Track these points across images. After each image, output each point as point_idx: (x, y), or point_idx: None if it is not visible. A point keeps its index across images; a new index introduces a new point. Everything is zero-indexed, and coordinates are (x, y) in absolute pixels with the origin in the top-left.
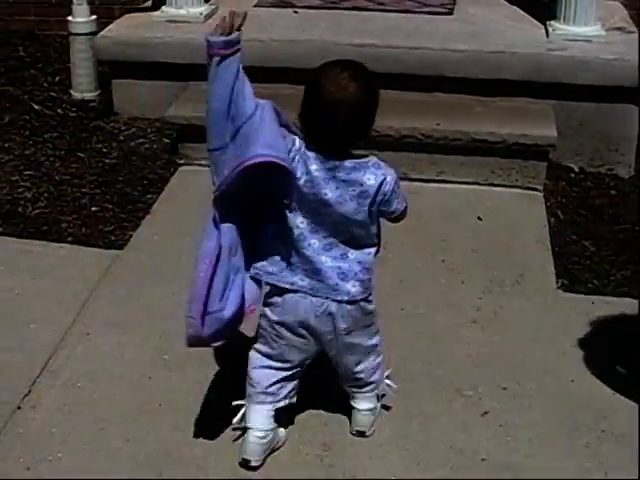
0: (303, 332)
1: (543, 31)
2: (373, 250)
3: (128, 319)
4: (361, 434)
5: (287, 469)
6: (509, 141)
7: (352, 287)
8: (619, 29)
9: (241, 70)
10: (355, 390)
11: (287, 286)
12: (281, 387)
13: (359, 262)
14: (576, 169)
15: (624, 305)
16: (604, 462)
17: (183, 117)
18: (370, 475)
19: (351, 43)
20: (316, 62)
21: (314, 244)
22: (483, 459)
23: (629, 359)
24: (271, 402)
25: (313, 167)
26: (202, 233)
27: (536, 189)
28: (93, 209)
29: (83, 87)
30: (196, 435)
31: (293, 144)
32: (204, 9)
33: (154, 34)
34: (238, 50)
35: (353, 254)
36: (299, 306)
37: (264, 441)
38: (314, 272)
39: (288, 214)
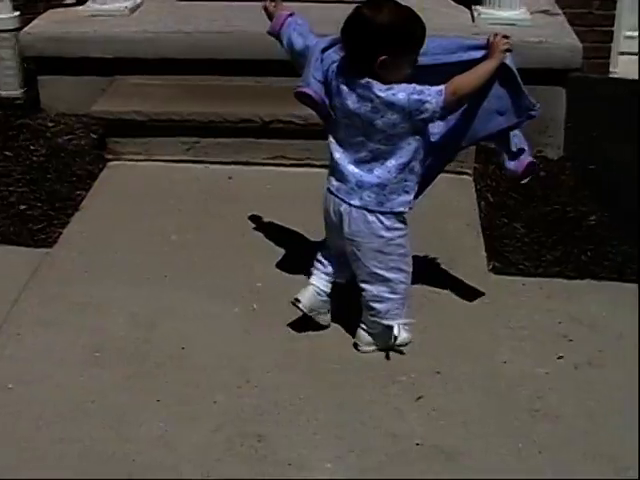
0: (329, 223)
1: (469, 16)
2: (393, 167)
3: (59, 318)
4: (355, 347)
5: (221, 461)
6: None
7: (366, 196)
8: (544, 12)
9: (291, 37)
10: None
11: (327, 184)
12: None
13: (378, 177)
14: None
15: (555, 285)
16: (537, 441)
17: (110, 112)
18: (305, 464)
19: None
20: (243, 53)
21: (348, 155)
22: (418, 444)
23: (561, 338)
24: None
25: (341, 80)
26: None
27: (466, 173)
28: (21, 207)
29: (8, 85)
30: (128, 432)
31: (331, 64)
32: (129, 3)
33: (79, 29)
34: (280, 29)
35: (377, 171)
36: (327, 201)
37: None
38: (341, 175)
39: (333, 125)
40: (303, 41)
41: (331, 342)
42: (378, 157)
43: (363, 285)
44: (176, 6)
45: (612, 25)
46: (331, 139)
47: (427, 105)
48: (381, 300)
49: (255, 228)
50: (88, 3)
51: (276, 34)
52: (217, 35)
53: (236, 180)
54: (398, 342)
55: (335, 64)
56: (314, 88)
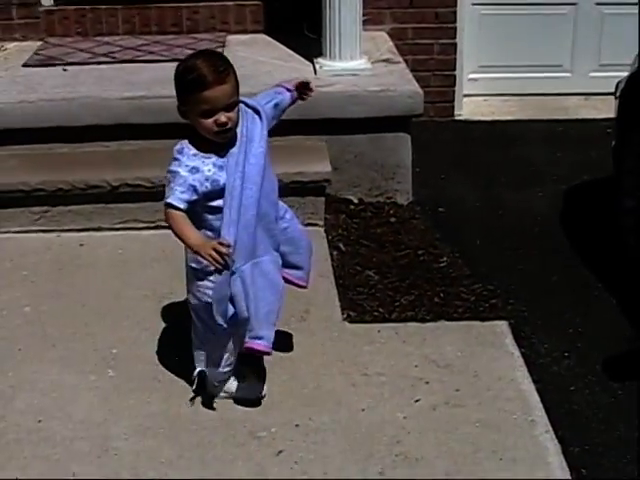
0: None
1: (311, 68)
2: None
3: None
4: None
5: None
6: (285, 180)
7: None
8: (385, 61)
9: None
10: None
11: None
12: None
13: None
14: (355, 201)
15: (410, 329)
16: None
17: None
18: None
19: (121, 97)
20: (86, 119)
21: None
22: None
23: (418, 381)
24: None
25: None
26: None
27: (317, 224)
28: None
29: None
30: None
31: None
32: None
33: None
34: None
35: None
36: None
37: None
38: None
39: None
40: None
41: (184, 406)
42: None
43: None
44: (20, 74)
45: (454, 69)
46: None
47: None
48: (195, 334)
49: (109, 294)
50: None
51: None
52: (62, 102)
53: (88, 247)
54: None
55: None
56: None
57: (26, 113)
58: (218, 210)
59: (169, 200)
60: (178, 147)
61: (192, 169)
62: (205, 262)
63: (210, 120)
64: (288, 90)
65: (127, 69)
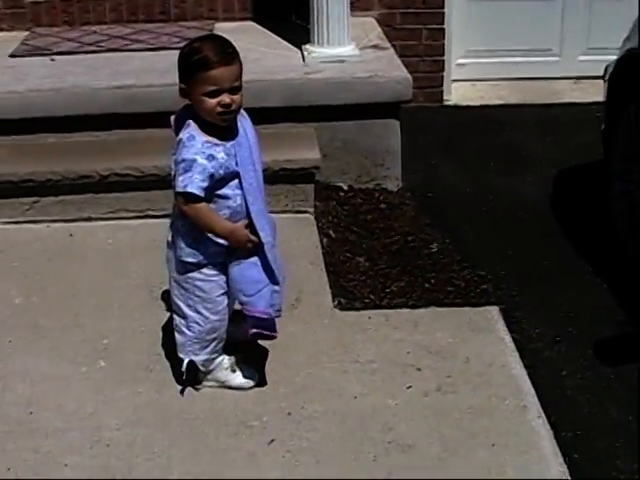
0: None
1: (300, 55)
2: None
3: None
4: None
5: None
6: (274, 167)
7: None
8: (374, 47)
9: None
10: None
11: None
12: None
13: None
14: (345, 187)
15: (401, 316)
16: (392, 472)
17: None
18: None
19: (109, 86)
20: (75, 109)
21: None
22: None
23: (410, 368)
24: None
25: None
26: None
27: (306, 211)
28: None
29: None
30: None
31: None
32: None
33: None
34: None
35: None
36: None
37: None
38: None
39: None
40: None
41: (180, 395)
42: None
43: (173, 312)
44: (7, 64)
45: (442, 54)
46: None
47: (177, 179)
48: (179, 331)
49: (99, 284)
50: None
51: None
52: (49, 92)
53: (78, 237)
54: (236, 385)
55: None
56: None
57: (14, 104)
58: (221, 197)
59: (190, 189)
60: (187, 135)
61: (209, 157)
62: (201, 258)
63: (214, 101)
64: None
65: (115, 58)
